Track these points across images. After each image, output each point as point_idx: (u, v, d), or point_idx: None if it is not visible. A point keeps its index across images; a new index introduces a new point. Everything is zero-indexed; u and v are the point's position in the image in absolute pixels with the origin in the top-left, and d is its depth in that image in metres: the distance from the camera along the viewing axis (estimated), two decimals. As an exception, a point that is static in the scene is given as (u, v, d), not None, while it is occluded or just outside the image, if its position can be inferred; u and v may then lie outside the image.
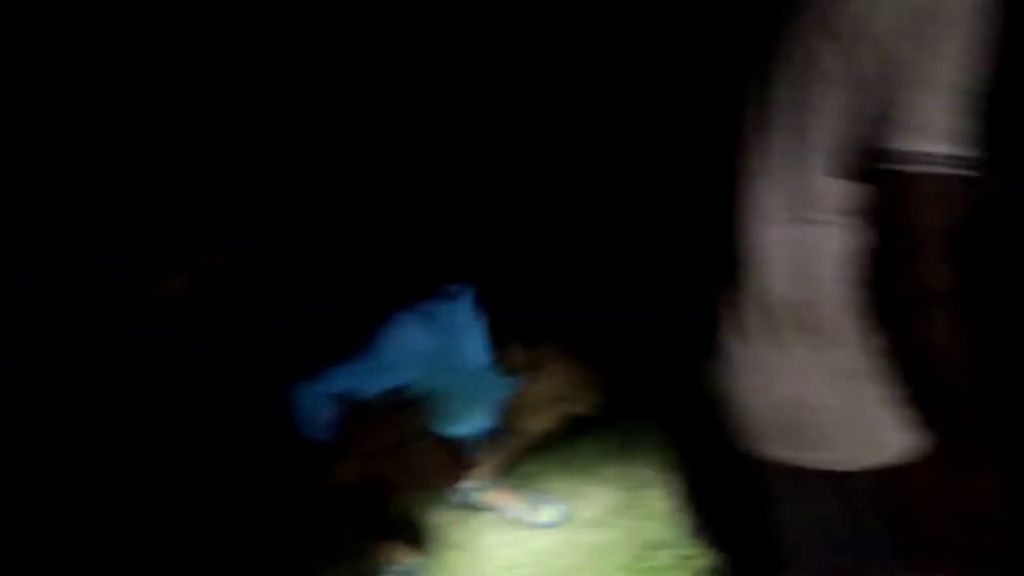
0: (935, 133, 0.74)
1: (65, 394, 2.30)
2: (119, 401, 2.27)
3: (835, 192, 0.82)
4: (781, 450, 0.93)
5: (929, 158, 0.74)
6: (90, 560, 1.74)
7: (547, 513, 2.00)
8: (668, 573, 1.78)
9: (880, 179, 0.77)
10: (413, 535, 1.94)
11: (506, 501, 2.03)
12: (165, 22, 2.89)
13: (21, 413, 2.24)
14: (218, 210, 2.92)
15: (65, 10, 2.72)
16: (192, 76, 2.92)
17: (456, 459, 1.79)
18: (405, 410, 1.67)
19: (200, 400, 2.24)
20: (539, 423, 1.92)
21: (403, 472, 1.71)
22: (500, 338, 1.79)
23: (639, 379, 2.27)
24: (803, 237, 0.86)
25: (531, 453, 2.09)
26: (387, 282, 2.85)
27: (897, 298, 0.78)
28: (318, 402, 1.72)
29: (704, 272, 1.08)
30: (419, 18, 3.16)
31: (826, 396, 0.88)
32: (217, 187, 2.95)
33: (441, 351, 1.77)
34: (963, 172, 0.74)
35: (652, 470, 2.10)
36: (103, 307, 2.58)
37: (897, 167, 0.75)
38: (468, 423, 1.89)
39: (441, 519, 2.01)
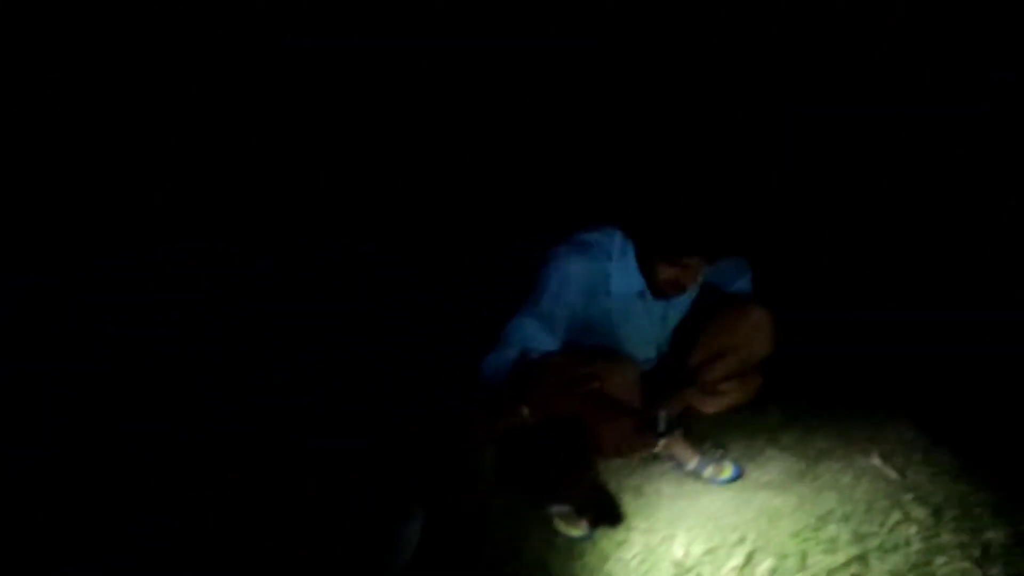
0: None
1: (65, 394, 2.30)
2: (119, 401, 2.28)
3: None
4: None
5: None
6: (90, 560, 1.74)
7: (723, 471, 2.01)
8: (838, 547, 1.70)
9: None
10: (586, 476, 1.96)
11: (684, 453, 2.05)
12: (165, 22, 2.89)
13: (21, 413, 2.25)
14: (218, 210, 2.93)
15: (65, 10, 2.73)
16: (192, 76, 2.92)
17: (644, 431, 1.73)
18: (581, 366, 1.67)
19: (200, 400, 2.25)
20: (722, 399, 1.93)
21: (584, 432, 1.71)
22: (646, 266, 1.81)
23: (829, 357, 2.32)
24: None
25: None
26: (387, 282, 2.86)
27: None
28: (501, 362, 1.76)
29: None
30: (419, 18, 3.16)
31: None
32: (217, 187, 2.96)
33: (599, 276, 1.80)
34: None
35: (832, 442, 2.08)
36: (103, 307, 2.58)
37: None
38: (629, 350, 1.92)
39: (616, 462, 2.03)
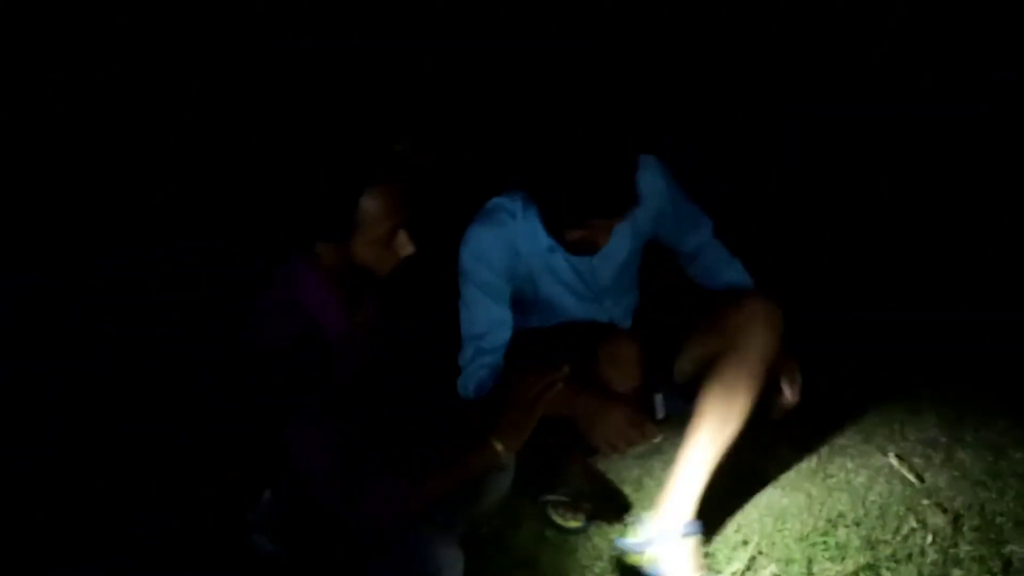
0: None
1: (65, 394, 2.30)
2: (119, 401, 2.27)
3: None
4: None
5: None
6: (90, 560, 1.74)
7: None
8: (847, 554, 1.58)
9: None
10: (587, 463, 1.90)
11: None
12: (165, 22, 2.89)
13: (21, 413, 2.25)
14: (218, 210, 2.92)
15: (65, 10, 2.72)
16: (192, 76, 2.92)
17: (640, 416, 1.61)
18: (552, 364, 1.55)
19: (200, 400, 2.24)
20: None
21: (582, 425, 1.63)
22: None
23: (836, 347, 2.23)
24: None
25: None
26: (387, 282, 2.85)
27: None
28: (478, 377, 1.74)
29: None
30: (419, 18, 3.16)
31: None
32: (217, 187, 2.95)
33: (509, 236, 1.74)
34: None
35: (848, 438, 1.96)
36: (103, 307, 2.58)
37: None
38: (574, 311, 1.84)
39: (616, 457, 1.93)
